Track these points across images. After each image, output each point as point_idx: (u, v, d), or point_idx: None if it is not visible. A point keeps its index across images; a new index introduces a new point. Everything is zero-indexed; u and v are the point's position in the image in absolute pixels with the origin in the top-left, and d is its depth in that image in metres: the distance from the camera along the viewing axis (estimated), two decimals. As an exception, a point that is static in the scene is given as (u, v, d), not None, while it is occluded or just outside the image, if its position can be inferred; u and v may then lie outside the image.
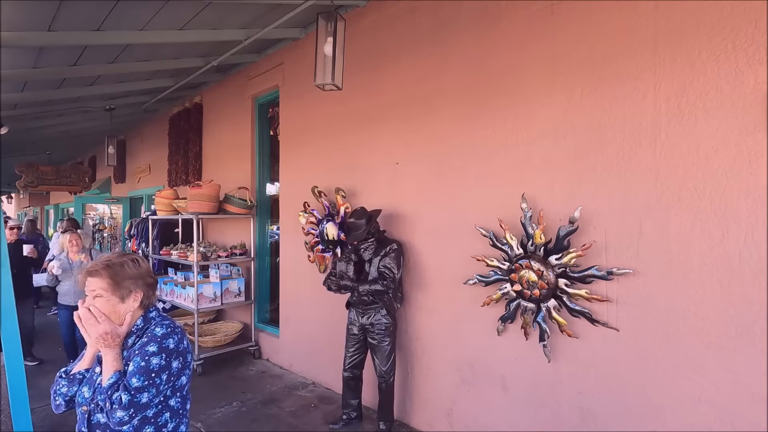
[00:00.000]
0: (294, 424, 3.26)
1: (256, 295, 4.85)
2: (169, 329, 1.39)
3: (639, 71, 2.11)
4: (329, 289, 3.18)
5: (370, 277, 3.02)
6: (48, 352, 4.72)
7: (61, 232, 6.73)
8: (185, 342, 1.42)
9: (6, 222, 4.49)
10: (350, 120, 3.65)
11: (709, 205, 1.92)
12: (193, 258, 4.39)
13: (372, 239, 3.04)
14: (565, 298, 2.32)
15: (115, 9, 2.93)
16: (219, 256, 4.65)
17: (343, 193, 3.54)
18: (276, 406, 3.56)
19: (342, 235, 3.53)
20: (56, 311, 6.89)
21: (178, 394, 1.41)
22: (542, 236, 2.37)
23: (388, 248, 2.99)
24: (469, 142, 2.82)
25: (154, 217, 5.30)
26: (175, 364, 1.35)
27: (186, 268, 5.23)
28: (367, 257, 3.04)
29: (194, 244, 4.49)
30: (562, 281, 2.33)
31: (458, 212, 2.88)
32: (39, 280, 4.87)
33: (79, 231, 6.55)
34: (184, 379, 1.41)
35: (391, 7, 3.32)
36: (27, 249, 4.40)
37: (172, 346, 1.35)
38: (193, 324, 4.36)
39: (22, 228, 4.95)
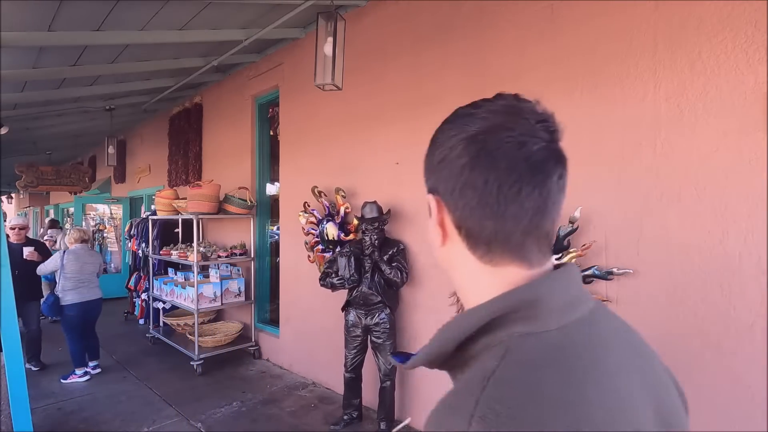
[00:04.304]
0: (294, 425, 3.26)
1: (256, 295, 4.85)
2: None
3: (639, 71, 2.11)
4: (325, 286, 3.15)
5: (374, 275, 3.01)
6: (47, 353, 4.71)
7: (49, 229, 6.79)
8: None
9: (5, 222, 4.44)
10: (350, 120, 3.65)
11: (709, 205, 1.92)
12: (193, 258, 4.39)
13: (377, 236, 3.04)
14: (565, 298, 2.32)
15: (115, 9, 2.93)
16: (219, 256, 4.65)
17: (343, 193, 3.54)
18: (276, 407, 3.56)
19: (342, 235, 3.53)
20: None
21: None
22: (542, 236, 2.37)
23: (395, 249, 3.00)
24: (469, 142, 2.81)
25: (154, 217, 5.30)
26: None
27: (186, 268, 5.22)
28: (373, 256, 3.03)
29: (194, 244, 4.49)
30: (562, 281, 2.32)
31: (458, 212, 2.87)
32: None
33: (51, 231, 6.63)
34: None
35: (391, 6, 3.32)
36: (26, 251, 4.37)
37: None
38: (193, 324, 4.36)
39: (28, 227, 4.92)
